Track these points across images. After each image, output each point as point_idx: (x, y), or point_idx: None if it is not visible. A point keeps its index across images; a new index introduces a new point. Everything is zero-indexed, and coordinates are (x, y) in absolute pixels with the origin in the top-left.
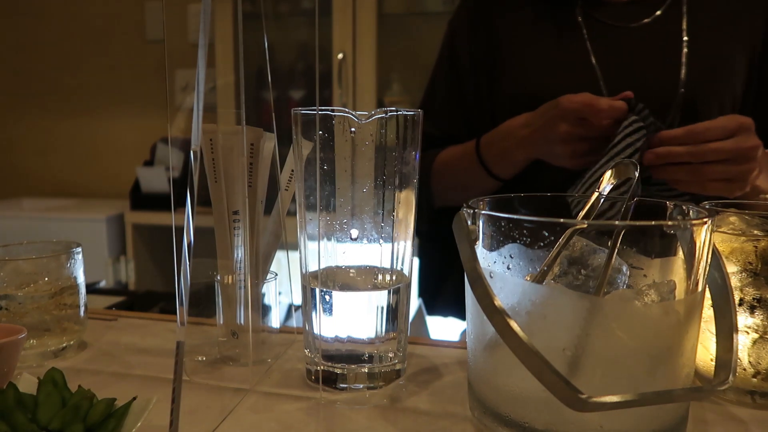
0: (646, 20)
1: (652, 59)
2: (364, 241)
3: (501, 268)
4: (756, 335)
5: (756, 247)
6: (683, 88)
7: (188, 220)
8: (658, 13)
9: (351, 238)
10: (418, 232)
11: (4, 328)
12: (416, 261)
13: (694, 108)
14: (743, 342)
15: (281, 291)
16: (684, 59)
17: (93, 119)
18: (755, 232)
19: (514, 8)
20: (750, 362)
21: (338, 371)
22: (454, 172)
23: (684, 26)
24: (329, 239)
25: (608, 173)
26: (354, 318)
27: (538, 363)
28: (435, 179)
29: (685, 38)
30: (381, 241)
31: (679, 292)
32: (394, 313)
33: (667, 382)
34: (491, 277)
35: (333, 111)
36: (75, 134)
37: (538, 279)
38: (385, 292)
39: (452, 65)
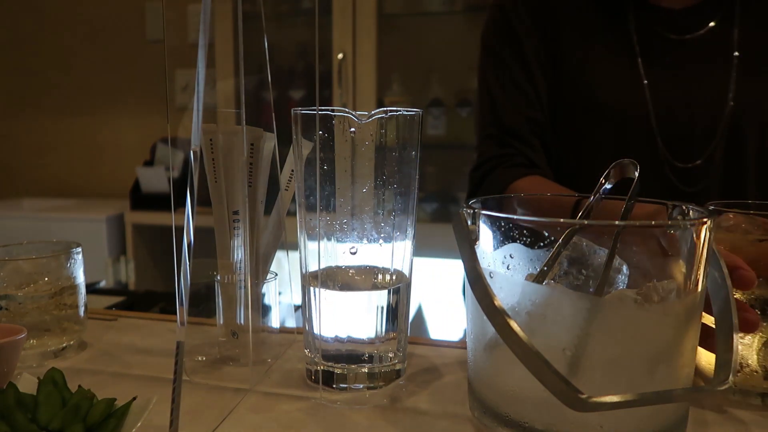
0: (698, 32)
1: (702, 73)
2: (364, 241)
3: (501, 268)
4: (763, 336)
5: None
6: (731, 103)
7: (188, 220)
8: (712, 24)
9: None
10: None
11: (4, 328)
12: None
13: (739, 126)
14: (750, 344)
15: (281, 291)
16: (734, 74)
17: (93, 119)
18: (755, 232)
19: (569, 6)
20: (759, 364)
21: (338, 371)
22: None
23: (736, 41)
24: (329, 239)
25: (608, 173)
26: (354, 318)
27: (538, 363)
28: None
29: (736, 54)
30: (381, 241)
31: (679, 292)
32: (394, 313)
33: (667, 382)
34: (491, 277)
35: (333, 111)
36: (75, 134)
37: (538, 279)
38: (385, 292)
39: (514, 51)
